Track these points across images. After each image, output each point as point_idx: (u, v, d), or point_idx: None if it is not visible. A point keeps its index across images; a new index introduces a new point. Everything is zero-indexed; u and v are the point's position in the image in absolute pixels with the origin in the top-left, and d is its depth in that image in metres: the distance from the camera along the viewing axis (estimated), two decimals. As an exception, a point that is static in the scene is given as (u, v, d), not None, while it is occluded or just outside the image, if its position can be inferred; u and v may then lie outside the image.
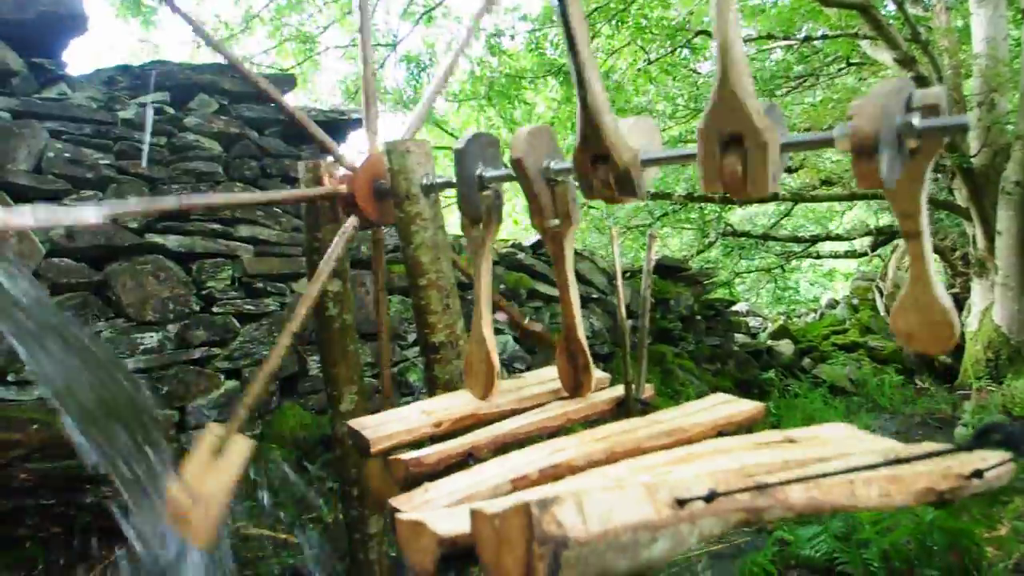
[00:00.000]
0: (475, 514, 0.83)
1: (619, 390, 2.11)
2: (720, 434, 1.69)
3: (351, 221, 2.61)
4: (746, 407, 1.82)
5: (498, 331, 6.16)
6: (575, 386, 2.04)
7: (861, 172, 1.25)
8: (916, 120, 1.27)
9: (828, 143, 1.37)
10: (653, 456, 1.40)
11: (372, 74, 2.88)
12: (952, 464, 1.13)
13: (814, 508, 1.00)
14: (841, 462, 1.16)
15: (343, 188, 2.63)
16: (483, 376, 2.02)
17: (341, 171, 2.77)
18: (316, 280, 2.43)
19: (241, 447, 1.99)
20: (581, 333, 1.95)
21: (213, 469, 1.92)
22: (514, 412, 1.99)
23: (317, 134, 2.68)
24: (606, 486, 0.85)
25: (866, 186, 1.29)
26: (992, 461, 1.10)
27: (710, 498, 0.86)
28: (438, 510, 1.24)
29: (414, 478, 1.61)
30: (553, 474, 1.41)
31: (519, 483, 1.37)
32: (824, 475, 0.98)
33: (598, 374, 2.29)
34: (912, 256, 1.47)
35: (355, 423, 1.89)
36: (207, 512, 1.81)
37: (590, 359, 2.00)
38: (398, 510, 1.31)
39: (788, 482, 0.96)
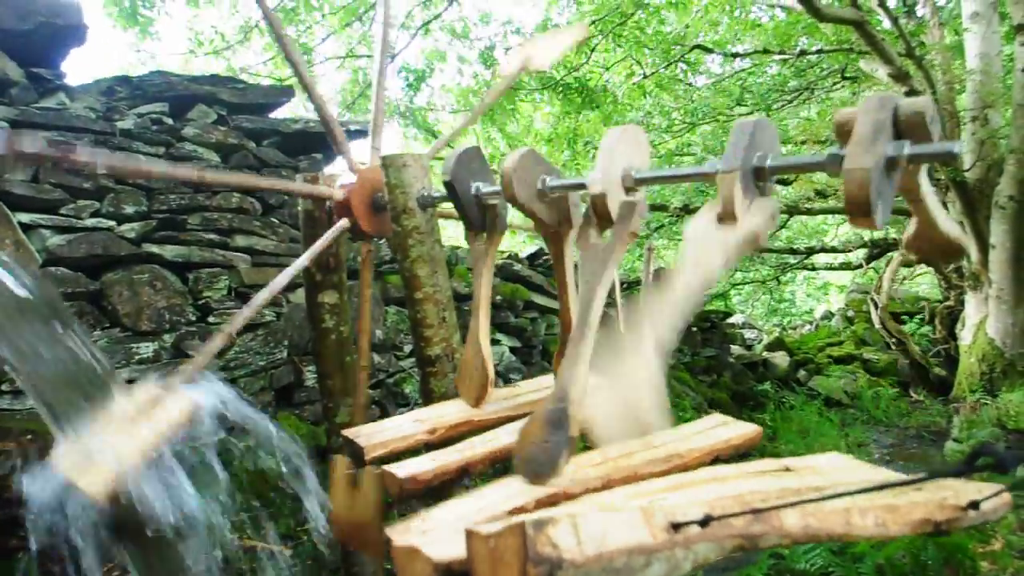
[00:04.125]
0: (470, 535, 0.83)
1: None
2: (717, 459, 1.69)
3: (342, 222, 2.62)
4: (743, 430, 1.82)
5: (495, 342, 6.16)
6: None
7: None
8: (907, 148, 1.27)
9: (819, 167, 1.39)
10: (648, 483, 1.40)
11: (382, 99, 2.90)
12: (948, 495, 1.13)
13: (809, 535, 1.00)
14: (837, 499, 1.17)
15: (340, 193, 2.64)
16: (477, 383, 2.02)
17: (339, 184, 2.79)
18: (293, 267, 2.40)
19: (181, 404, 1.79)
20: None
21: (139, 423, 1.69)
22: (509, 419, 1.99)
23: (340, 139, 2.71)
24: (602, 506, 0.85)
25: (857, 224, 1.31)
26: (987, 492, 1.10)
27: (705, 522, 0.86)
28: (433, 534, 1.24)
29: (409, 495, 1.61)
30: (549, 504, 1.40)
31: (515, 513, 1.37)
32: (822, 497, 0.98)
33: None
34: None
35: (349, 432, 1.89)
36: (108, 463, 1.58)
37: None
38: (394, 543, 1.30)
39: (784, 506, 0.96)
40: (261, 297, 2.26)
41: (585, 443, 1.94)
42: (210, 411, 1.92)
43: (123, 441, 1.60)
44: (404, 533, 1.28)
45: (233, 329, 2.19)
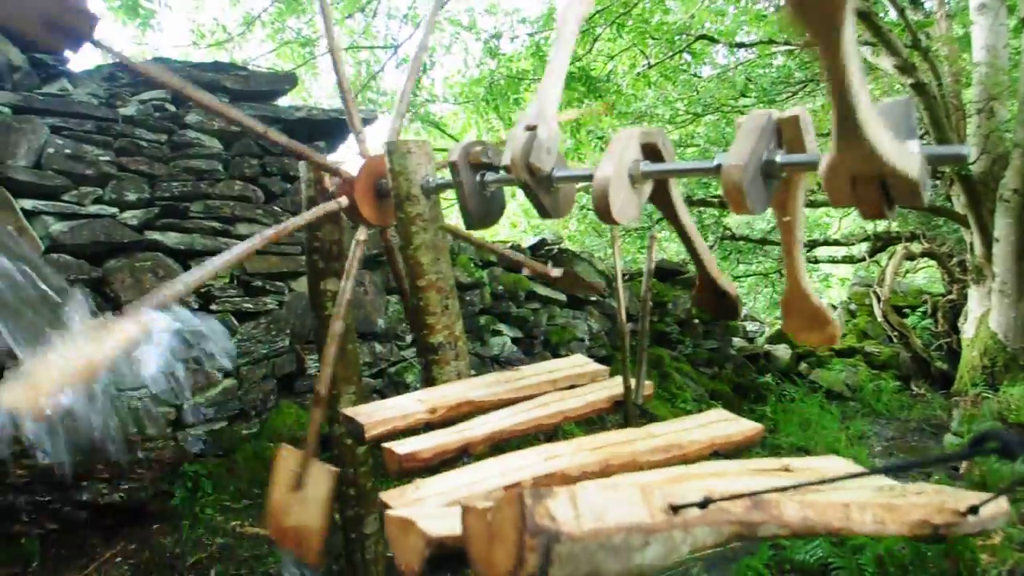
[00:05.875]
0: (467, 509, 0.83)
1: (617, 388, 2.12)
2: (716, 453, 1.69)
3: (362, 234, 2.61)
4: (744, 427, 1.82)
5: (496, 333, 6.16)
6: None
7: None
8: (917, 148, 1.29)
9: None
10: (648, 473, 1.40)
11: (349, 88, 2.86)
12: (947, 499, 1.13)
13: (808, 527, 1.00)
14: (837, 494, 1.17)
15: (344, 201, 2.63)
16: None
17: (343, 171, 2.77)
18: (341, 302, 2.44)
19: (323, 476, 2.10)
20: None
21: (299, 501, 2.07)
22: (511, 401, 2.00)
23: (312, 155, 2.65)
24: (601, 484, 0.85)
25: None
26: (986, 497, 1.10)
27: (705, 505, 0.86)
28: (429, 509, 1.24)
29: (407, 472, 1.62)
30: (546, 483, 1.41)
31: (512, 489, 1.38)
32: (822, 481, 0.98)
33: (594, 365, 2.30)
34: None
35: (350, 411, 1.89)
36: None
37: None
38: (388, 506, 1.31)
39: (783, 489, 0.96)
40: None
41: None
42: (166, 329, 2.00)
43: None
44: (399, 498, 1.29)
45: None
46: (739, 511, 0.92)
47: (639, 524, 0.81)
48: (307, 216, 2.49)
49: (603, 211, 1.58)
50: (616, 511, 0.79)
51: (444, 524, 0.92)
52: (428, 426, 1.87)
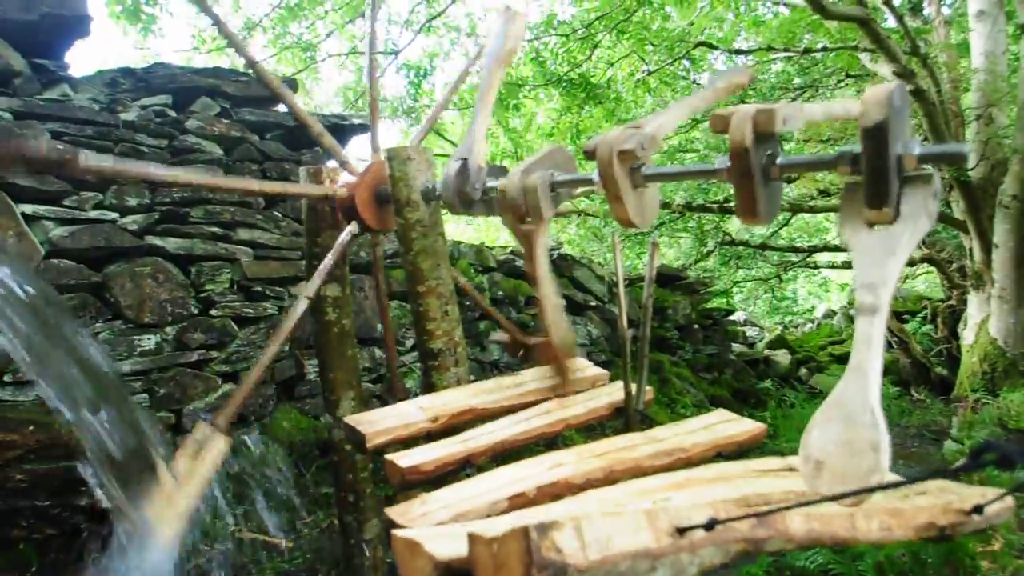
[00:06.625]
0: (473, 538, 0.82)
1: (618, 395, 2.11)
2: (720, 454, 1.69)
3: (351, 227, 2.62)
4: (747, 426, 1.82)
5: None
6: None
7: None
8: (917, 148, 1.29)
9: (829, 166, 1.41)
10: (652, 479, 1.40)
11: (377, 94, 2.91)
12: (952, 499, 1.13)
13: (814, 539, 1.00)
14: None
15: (343, 192, 2.64)
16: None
17: (343, 177, 2.78)
18: (312, 283, 2.45)
19: (218, 446, 2.08)
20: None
21: (191, 468, 2.05)
22: (512, 408, 1.99)
23: (325, 139, 2.68)
24: (606, 511, 0.85)
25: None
26: (991, 496, 1.09)
27: (710, 526, 0.86)
28: (435, 529, 1.24)
29: (410, 485, 1.61)
30: (551, 492, 1.40)
31: (516, 500, 1.37)
32: (827, 498, 0.98)
33: (595, 370, 2.30)
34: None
35: (352, 419, 1.89)
36: (174, 506, 1.92)
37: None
38: (395, 522, 1.30)
39: (788, 507, 0.96)
40: (281, 335, 2.32)
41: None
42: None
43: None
44: (404, 515, 1.28)
45: (257, 374, 2.24)
46: (744, 528, 0.91)
47: (645, 550, 0.80)
48: (304, 188, 2.54)
49: (628, 227, 1.71)
50: (622, 538, 0.79)
51: (451, 546, 0.92)
52: (429, 435, 1.87)
